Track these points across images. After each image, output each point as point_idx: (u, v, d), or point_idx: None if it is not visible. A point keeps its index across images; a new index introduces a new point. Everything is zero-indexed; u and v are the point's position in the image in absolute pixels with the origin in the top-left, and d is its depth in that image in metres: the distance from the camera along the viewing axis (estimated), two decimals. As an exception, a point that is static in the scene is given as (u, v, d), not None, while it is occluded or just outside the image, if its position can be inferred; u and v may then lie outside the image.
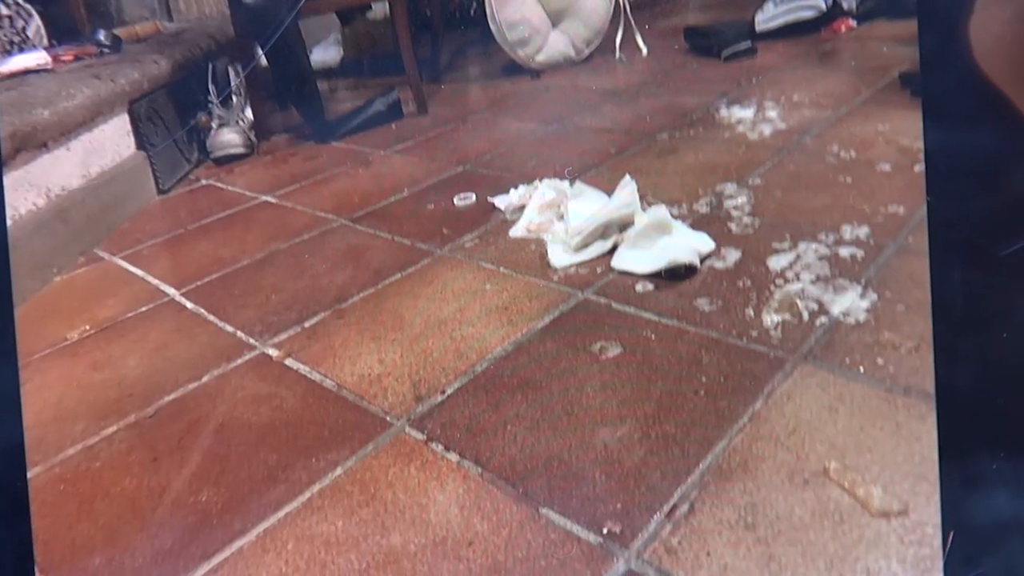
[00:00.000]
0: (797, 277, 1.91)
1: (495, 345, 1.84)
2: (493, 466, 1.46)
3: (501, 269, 2.18)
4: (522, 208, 2.51)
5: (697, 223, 2.24)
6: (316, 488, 1.48)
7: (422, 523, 1.36)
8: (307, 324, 2.06)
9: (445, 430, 1.58)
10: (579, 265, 2.14)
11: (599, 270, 2.10)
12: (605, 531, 1.29)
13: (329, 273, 2.33)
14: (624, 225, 2.20)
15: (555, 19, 4.23)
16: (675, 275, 1.99)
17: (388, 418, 1.65)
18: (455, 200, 2.70)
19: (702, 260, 2.05)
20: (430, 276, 2.21)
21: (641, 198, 2.29)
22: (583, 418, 1.55)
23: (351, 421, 1.66)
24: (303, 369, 1.87)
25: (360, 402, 1.72)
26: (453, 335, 1.90)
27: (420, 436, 1.58)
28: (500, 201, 2.61)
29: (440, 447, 1.53)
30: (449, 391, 1.70)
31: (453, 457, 1.50)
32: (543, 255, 2.21)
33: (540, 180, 2.63)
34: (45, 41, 3.70)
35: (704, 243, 2.11)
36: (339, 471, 1.52)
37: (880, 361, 1.58)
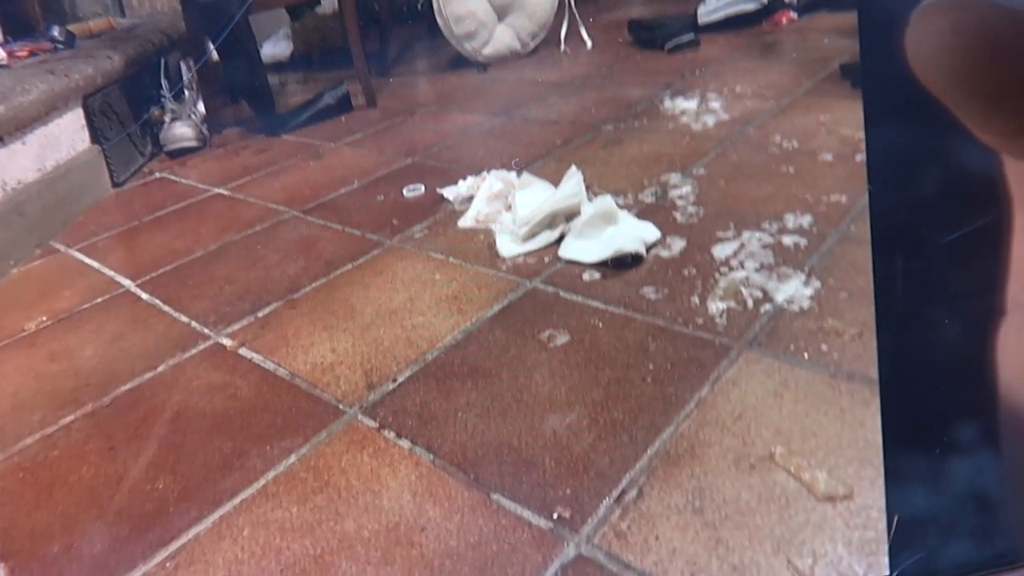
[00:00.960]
0: (742, 265, 1.94)
1: (445, 334, 1.86)
2: (444, 453, 1.48)
3: (450, 259, 2.21)
4: (470, 199, 2.52)
5: (643, 213, 2.27)
6: (271, 475, 1.50)
7: (375, 509, 1.38)
8: (260, 314, 2.08)
9: (397, 417, 1.60)
10: (527, 255, 2.16)
11: (546, 259, 2.12)
12: (555, 516, 1.31)
13: (281, 264, 2.35)
14: (571, 215, 2.22)
15: (501, 13, 4.25)
16: (621, 264, 2.01)
17: (341, 406, 1.67)
18: (404, 191, 2.72)
19: (648, 249, 2.07)
20: (380, 266, 2.23)
21: (587, 188, 2.33)
22: (532, 405, 1.57)
23: (304, 409, 1.67)
24: (257, 358, 1.88)
25: (313, 390, 1.73)
26: (404, 324, 1.92)
27: (372, 423, 1.59)
28: (449, 192, 2.62)
29: (392, 434, 1.55)
30: (400, 379, 1.72)
31: (405, 444, 1.52)
32: (491, 245, 2.24)
33: (488, 171, 2.64)
34: (0, 37, 3.69)
35: (650, 232, 2.13)
36: (293, 458, 1.53)
37: (824, 347, 1.61)
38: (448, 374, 1.71)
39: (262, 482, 1.49)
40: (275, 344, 1.93)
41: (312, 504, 1.41)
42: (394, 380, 1.72)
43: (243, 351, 1.92)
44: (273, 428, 1.63)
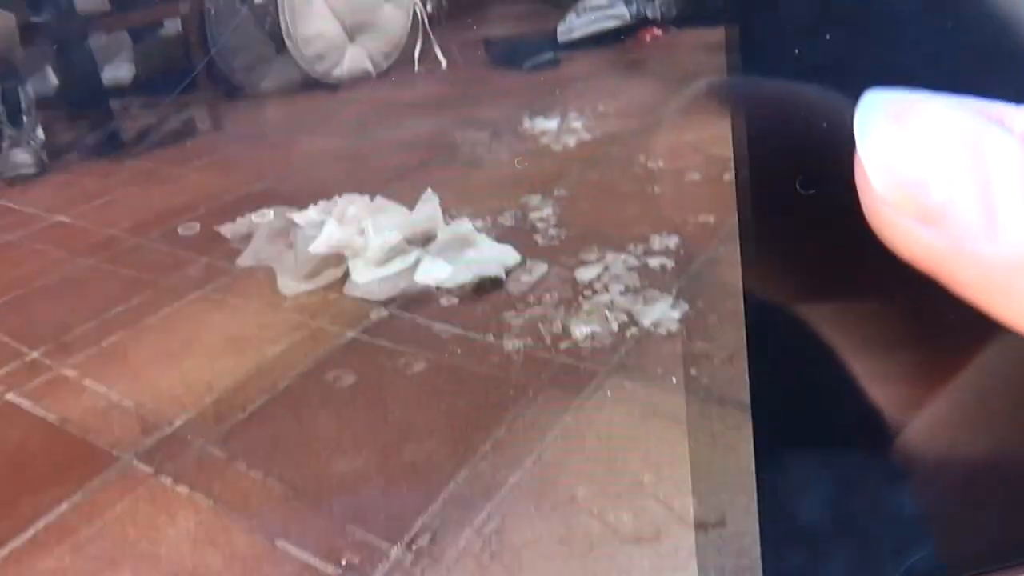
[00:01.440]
0: (606, 288, 1.88)
1: (227, 376, 1.77)
2: (226, 498, 1.40)
3: (229, 298, 2.15)
4: (321, 224, 2.40)
5: (502, 236, 2.21)
6: (41, 524, 1.38)
7: (152, 558, 1.30)
8: (28, 359, 1.93)
9: (175, 463, 1.51)
10: (380, 280, 2.09)
11: (402, 285, 2.04)
12: (344, 563, 1.24)
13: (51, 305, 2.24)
14: (427, 239, 2.17)
15: (352, 33, 4.24)
16: (481, 289, 1.96)
17: (115, 452, 1.56)
18: (179, 230, 2.62)
19: (508, 273, 2.01)
20: (155, 307, 2.12)
21: (444, 212, 2.27)
22: (389, 433, 1.54)
23: (77, 456, 1.56)
24: (25, 404, 1.75)
25: (86, 436, 1.62)
26: (181, 366, 1.83)
27: (148, 469, 1.49)
28: (299, 217, 2.50)
29: (169, 480, 1.46)
30: (177, 423, 1.62)
31: (183, 490, 1.43)
32: (272, 283, 2.18)
33: (340, 195, 2.53)
34: None
35: (509, 256, 2.07)
36: (65, 506, 1.41)
37: (693, 372, 1.59)
38: (228, 418, 1.64)
39: (31, 531, 1.37)
40: (45, 389, 1.80)
41: (86, 553, 1.32)
42: (170, 424, 1.62)
43: (10, 396, 1.79)
44: (43, 476, 1.52)
